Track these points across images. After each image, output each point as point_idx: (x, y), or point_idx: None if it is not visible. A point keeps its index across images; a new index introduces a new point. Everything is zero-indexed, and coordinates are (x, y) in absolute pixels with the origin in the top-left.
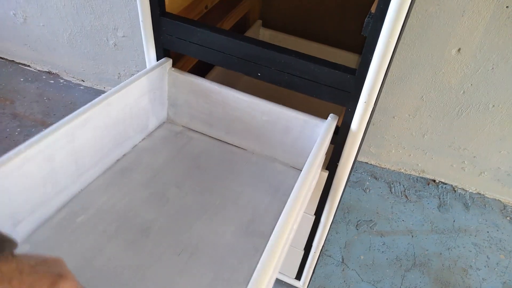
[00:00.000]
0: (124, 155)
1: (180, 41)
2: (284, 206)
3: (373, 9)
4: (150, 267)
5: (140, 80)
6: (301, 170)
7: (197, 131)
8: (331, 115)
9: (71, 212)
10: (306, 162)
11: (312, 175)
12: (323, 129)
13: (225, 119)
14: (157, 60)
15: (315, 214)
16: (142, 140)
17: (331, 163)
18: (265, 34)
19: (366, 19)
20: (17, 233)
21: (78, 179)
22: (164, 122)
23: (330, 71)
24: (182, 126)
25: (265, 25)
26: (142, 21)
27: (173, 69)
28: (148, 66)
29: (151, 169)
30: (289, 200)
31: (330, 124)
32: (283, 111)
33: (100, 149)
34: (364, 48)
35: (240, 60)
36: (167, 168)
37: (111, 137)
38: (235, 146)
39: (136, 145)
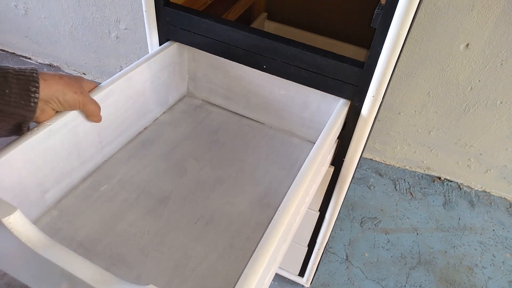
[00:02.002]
0: (145, 128)
1: (184, 32)
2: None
3: (383, 0)
4: (167, 234)
5: (159, 54)
6: None
7: (216, 105)
8: None
9: (95, 181)
10: (321, 133)
11: (326, 147)
12: (339, 103)
13: (243, 94)
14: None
15: (319, 210)
16: (163, 113)
17: (337, 159)
18: (270, 27)
19: (375, 10)
20: (46, 201)
21: (102, 151)
22: (184, 96)
23: (338, 64)
24: (202, 99)
25: (270, 17)
26: (145, 11)
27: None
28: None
29: (171, 142)
30: (301, 169)
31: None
32: (301, 86)
33: (122, 122)
34: (373, 40)
35: (245, 52)
36: (186, 141)
37: (133, 111)
38: (253, 120)
39: (157, 118)
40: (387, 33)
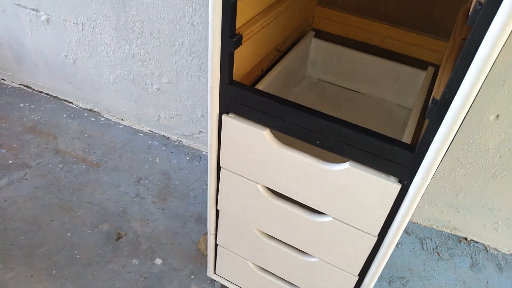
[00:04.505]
0: None
1: (243, 107)
2: None
3: (435, 94)
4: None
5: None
6: (408, 108)
7: (327, 82)
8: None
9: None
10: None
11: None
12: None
13: (349, 72)
14: (219, 120)
15: (358, 275)
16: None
17: (382, 229)
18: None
19: (429, 104)
20: None
21: None
22: (304, 76)
23: (390, 147)
24: (317, 78)
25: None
26: (210, 87)
27: (316, 39)
28: (209, 127)
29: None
30: None
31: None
32: (393, 64)
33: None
34: (425, 130)
35: (300, 129)
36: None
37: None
38: (355, 91)
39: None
40: (439, 126)
